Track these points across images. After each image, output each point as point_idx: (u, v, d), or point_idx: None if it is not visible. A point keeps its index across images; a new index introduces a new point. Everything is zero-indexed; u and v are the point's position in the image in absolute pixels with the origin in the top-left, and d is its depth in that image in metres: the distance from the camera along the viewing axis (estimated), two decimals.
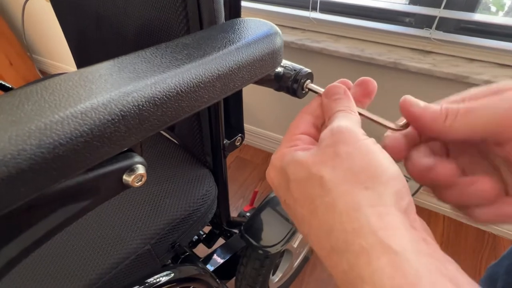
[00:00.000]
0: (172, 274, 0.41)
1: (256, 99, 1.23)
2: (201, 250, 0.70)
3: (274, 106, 1.21)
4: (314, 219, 0.16)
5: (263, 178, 1.24)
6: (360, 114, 0.22)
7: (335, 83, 0.23)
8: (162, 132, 0.62)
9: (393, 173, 0.16)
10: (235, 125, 0.53)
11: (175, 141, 0.60)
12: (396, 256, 0.13)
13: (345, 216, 0.15)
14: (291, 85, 0.34)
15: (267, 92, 1.18)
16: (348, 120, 0.19)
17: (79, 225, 0.44)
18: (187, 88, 0.20)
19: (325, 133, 0.18)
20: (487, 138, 0.17)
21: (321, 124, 0.23)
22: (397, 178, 0.16)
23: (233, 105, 0.51)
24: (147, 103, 0.18)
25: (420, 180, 0.19)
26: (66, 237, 0.43)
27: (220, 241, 0.73)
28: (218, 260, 0.69)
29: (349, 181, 0.15)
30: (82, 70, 0.19)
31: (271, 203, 0.68)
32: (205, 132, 0.49)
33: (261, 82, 0.35)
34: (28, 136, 0.14)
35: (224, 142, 0.50)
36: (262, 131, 1.33)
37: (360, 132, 0.18)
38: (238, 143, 0.53)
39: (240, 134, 0.53)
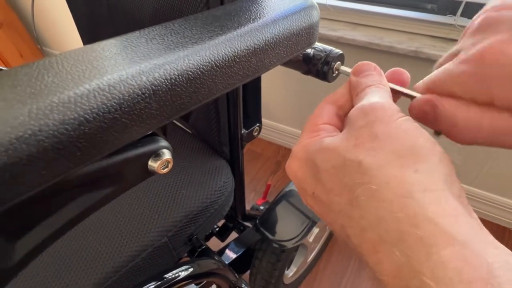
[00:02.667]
0: (191, 269, 0.39)
1: (267, 91, 1.20)
2: (212, 244, 0.68)
3: (286, 98, 1.18)
4: (355, 209, 0.14)
5: (275, 171, 1.22)
6: (394, 90, 0.20)
7: (364, 62, 0.21)
8: (175, 121, 0.60)
9: (441, 154, 0.14)
10: (252, 114, 0.51)
11: (189, 131, 0.58)
12: (462, 246, 0.11)
13: (396, 204, 0.13)
14: (321, 68, 0.31)
15: (277, 83, 1.15)
16: (380, 95, 0.17)
17: (93, 217, 0.43)
18: (222, 62, 0.17)
19: (354, 113, 0.16)
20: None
21: (344, 114, 0.21)
22: (445, 160, 0.14)
23: (251, 93, 0.49)
24: (180, 77, 0.16)
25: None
26: (81, 229, 0.41)
27: (233, 235, 0.72)
28: (232, 254, 0.67)
29: (394, 164, 0.14)
30: (105, 41, 0.17)
31: (287, 196, 0.66)
32: (223, 121, 0.46)
33: (289, 63, 0.33)
34: (51, 110, 0.12)
35: (242, 131, 0.48)
36: (274, 123, 1.31)
37: (395, 109, 0.16)
38: (256, 133, 0.51)
39: (258, 124, 0.50)
